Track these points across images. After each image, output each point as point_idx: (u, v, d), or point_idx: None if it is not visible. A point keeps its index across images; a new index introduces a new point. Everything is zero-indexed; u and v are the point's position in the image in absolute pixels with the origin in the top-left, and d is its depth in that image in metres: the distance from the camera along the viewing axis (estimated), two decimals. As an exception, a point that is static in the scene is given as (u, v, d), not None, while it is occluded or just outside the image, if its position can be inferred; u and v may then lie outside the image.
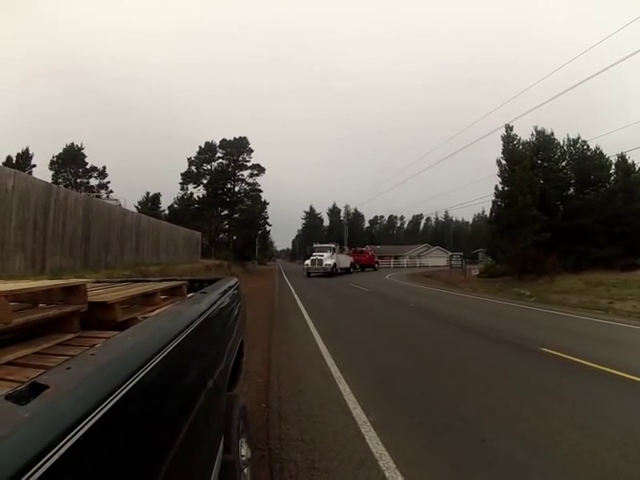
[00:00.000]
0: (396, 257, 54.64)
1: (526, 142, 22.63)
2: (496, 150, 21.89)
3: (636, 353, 5.29)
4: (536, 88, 21.76)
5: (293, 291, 14.76)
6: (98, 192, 37.96)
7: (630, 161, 21.79)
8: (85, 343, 1.07)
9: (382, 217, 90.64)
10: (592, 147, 22.41)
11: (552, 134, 23.18)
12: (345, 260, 30.24)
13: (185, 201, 39.82)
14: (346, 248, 36.41)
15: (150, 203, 43.20)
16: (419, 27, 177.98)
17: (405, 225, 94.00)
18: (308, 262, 26.27)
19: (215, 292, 1.82)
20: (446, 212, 79.52)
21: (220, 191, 39.66)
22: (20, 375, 0.79)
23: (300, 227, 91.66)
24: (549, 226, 19.52)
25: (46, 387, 0.55)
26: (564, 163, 23.13)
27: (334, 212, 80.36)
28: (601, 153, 22.19)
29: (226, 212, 40.77)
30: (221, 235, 40.82)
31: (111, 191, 39.60)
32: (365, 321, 8.11)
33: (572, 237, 19.84)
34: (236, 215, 40.13)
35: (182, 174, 40.15)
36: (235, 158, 40.88)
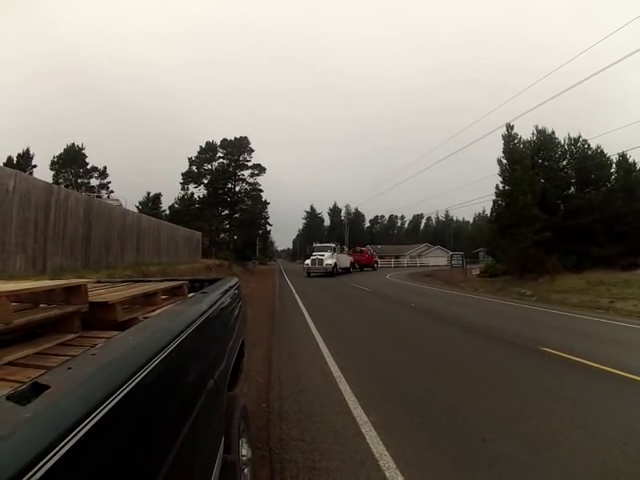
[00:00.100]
0: (397, 257, 54.65)
1: (527, 141, 22.63)
2: (496, 150, 21.93)
3: (637, 352, 5.28)
4: (536, 88, 21.79)
5: (294, 291, 14.76)
6: (99, 192, 38.02)
7: (631, 160, 21.79)
8: (86, 343, 1.07)
9: (383, 217, 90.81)
10: (593, 146, 22.41)
11: (553, 133, 23.18)
12: (345, 260, 30.17)
13: (186, 201, 39.85)
14: (345, 248, 36.32)
15: (151, 203, 43.26)
16: (419, 27, 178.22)
17: (406, 225, 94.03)
18: (308, 262, 26.07)
19: (216, 292, 1.82)
20: (446, 212, 79.35)
21: (221, 191, 39.66)
22: (21, 375, 0.79)
23: (301, 227, 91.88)
24: (550, 225, 19.49)
25: (47, 387, 0.55)
26: (565, 162, 23.08)
27: (335, 212, 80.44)
28: (602, 152, 22.13)
29: (227, 212, 40.77)
30: (222, 235, 40.82)
31: (112, 191, 39.68)
32: (366, 321, 8.11)
33: (573, 236, 19.81)
34: (237, 215, 40.13)
35: (183, 174, 40.19)
36: (236, 158, 40.87)
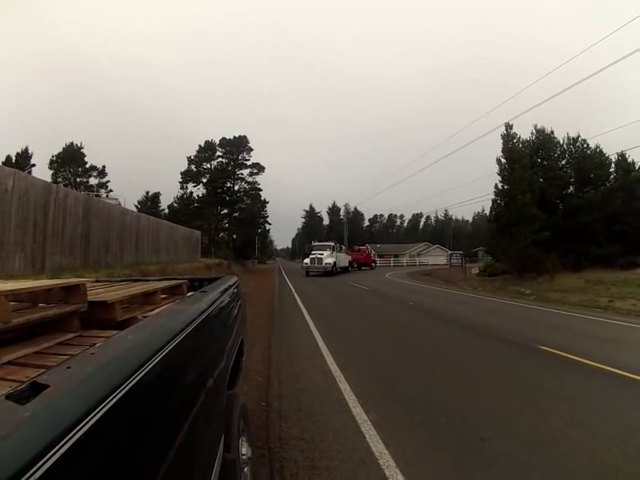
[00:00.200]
0: (396, 256, 54.66)
1: (526, 140, 22.58)
2: (495, 149, 21.88)
3: (635, 351, 5.29)
4: (535, 87, 21.73)
5: (293, 290, 14.76)
6: (98, 191, 37.96)
7: (630, 160, 21.76)
8: (85, 342, 1.07)
9: (382, 216, 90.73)
10: (592, 146, 22.39)
11: (552, 133, 23.16)
12: (344, 259, 30.13)
13: (185, 200, 39.82)
14: (343, 247, 36.25)
15: (150, 202, 43.16)
16: (419, 27, 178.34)
17: (405, 224, 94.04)
18: (307, 261, 25.88)
19: (215, 291, 1.81)
20: (446, 211, 79.55)
21: (220, 190, 39.64)
22: (20, 375, 0.79)
23: (300, 226, 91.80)
24: (549, 225, 19.50)
25: (46, 386, 0.55)
26: (564, 162, 23.08)
27: (334, 211, 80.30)
28: (601, 152, 22.15)
29: (226, 211, 40.78)
30: (221, 234, 40.83)
31: (111, 190, 39.62)
32: (365, 320, 8.11)
33: (572, 236, 19.83)
34: (236, 214, 40.13)
35: (182, 173, 40.18)
36: (235, 157, 40.86)
